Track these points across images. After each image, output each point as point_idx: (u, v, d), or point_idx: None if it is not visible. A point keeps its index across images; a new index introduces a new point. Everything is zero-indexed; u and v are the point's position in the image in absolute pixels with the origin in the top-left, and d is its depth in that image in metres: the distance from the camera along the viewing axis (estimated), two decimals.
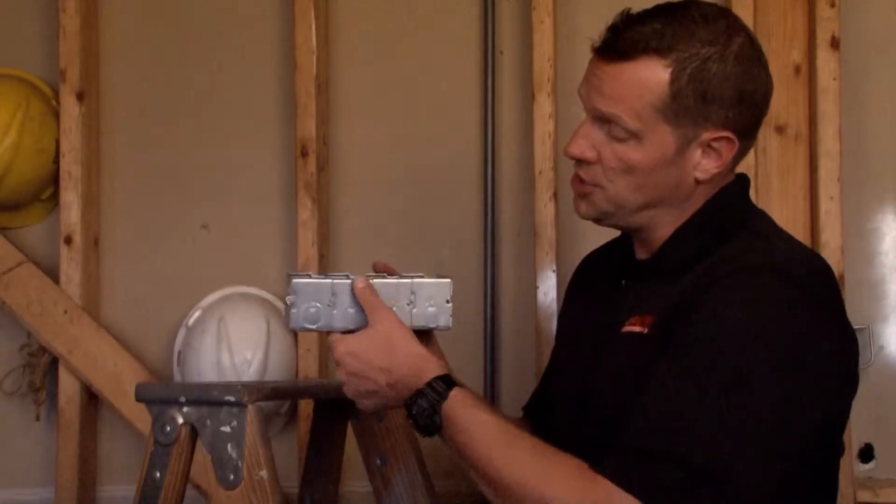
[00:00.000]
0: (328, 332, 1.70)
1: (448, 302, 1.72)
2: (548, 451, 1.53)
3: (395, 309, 1.68)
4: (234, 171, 2.77)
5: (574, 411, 1.71)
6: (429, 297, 1.71)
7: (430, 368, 1.60)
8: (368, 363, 1.62)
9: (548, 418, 1.84)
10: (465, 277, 2.62)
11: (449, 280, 1.73)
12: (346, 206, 2.73)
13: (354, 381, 1.65)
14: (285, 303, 1.69)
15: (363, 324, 1.67)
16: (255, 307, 2.65)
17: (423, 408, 1.57)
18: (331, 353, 1.66)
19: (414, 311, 1.70)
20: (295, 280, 1.68)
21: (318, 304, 1.67)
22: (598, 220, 1.71)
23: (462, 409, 1.56)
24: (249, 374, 2.56)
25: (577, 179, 1.69)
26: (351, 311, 1.68)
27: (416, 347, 1.63)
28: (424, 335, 1.77)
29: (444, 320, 1.72)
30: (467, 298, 2.59)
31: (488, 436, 1.54)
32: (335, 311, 1.67)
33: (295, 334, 2.61)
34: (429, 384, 1.58)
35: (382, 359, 1.62)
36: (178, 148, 2.79)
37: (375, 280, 1.70)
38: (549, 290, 2.58)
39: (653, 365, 1.53)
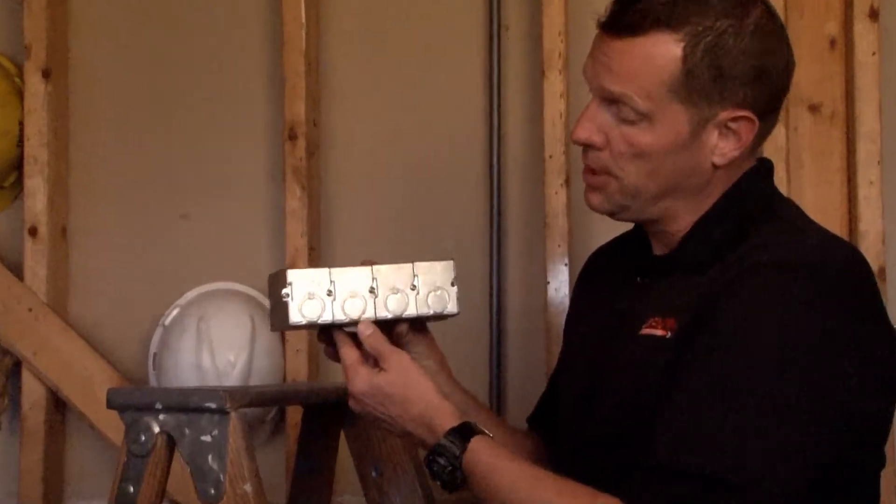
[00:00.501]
0: (326, 331, 1.73)
1: (453, 284, 1.74)
2: (574, 489, 1.56)
3: (398, 295, 1.71)
4: (218, 159, 2.78)
5: (580, 410, 1.73)
6: (432, 280, 1.73)
7: (442, 420, 1.64)
8: (383, 409, 1.69)
9: (554, 429, 1.86)
10: (470, 272, 2.63)
11: (451, 261, 1.75)
12: (340, 197, 2.74)
13: (369, 418, 1.73)
14: (281, 297, 1.69)
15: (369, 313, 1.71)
16: (239, 304, 2.66)
17: (443, 466, 1.62)
18: (347, 385, 1.71)
19: (418, 296, 1.73)
20: (290, 270, 1.69)
21: (317, 295, 1.69)
22: (613, 214, 1.72)
23: (482, 460, 1.60)
24: (232, 377, 2.58)
25: (589, 171, 1.70)
26: (352, 300, 1.70)
27: (429, 396, 1.67)
28: (421, 330, 1.81)
29: (452, 305, 1.74)
30: (472, 294, 2.60)
31: (513, 483, 1.58)
32: (335, 302, 1.70)
33: (282, 333, 2.61)
34: (445, 437, 1.62)
35: (395, 408, 1.68)
36: (155, 132, 2.80)
37: (376, 265, 1.72)
38: (560, 285, 2.59)
39: (675, 371, 1.55)
